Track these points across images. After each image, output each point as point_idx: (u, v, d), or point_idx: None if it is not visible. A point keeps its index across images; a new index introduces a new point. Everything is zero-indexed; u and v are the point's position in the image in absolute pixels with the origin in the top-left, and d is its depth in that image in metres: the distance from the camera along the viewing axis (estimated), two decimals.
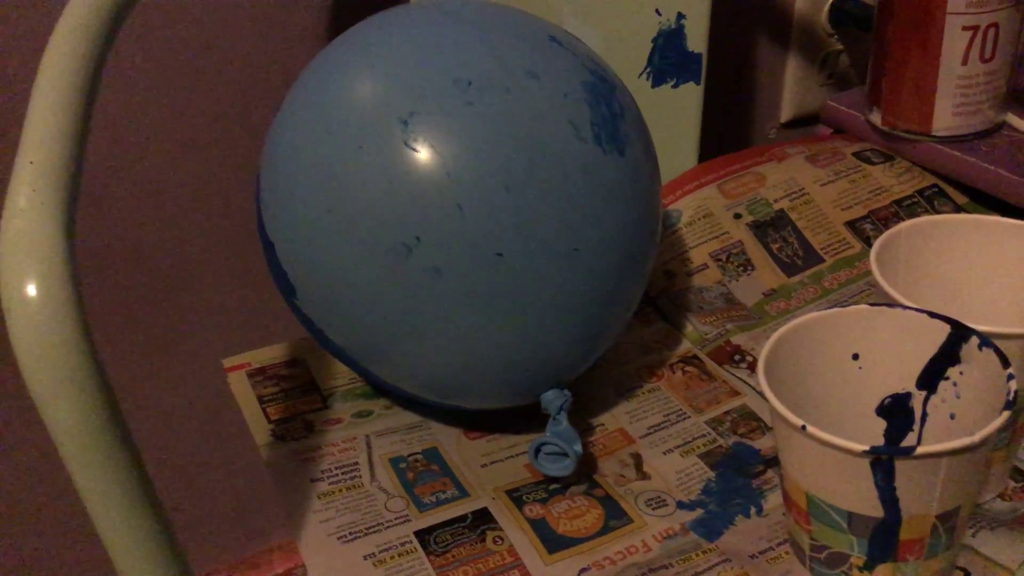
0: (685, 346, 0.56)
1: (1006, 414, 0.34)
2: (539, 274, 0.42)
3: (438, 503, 0.45)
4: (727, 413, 0.51)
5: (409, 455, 0.48)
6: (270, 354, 0.54)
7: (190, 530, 0.63)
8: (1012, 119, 0.65)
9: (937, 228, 0.46)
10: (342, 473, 0.46)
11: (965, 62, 0.61)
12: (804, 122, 0.82)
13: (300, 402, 0.51)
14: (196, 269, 0.63)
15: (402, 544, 0.43)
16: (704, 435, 0.49)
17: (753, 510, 0.45)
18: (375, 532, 0.43)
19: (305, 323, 0.46)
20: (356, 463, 0.47)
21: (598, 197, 0.43)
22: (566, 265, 0.43)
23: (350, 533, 0.43)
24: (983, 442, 0.33)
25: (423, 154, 0.41)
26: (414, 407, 0.51)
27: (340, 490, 0.45)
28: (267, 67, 0.61)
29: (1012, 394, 0.35)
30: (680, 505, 0.45)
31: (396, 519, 0.44)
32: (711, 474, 0.47)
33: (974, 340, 0.38)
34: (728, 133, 0.80)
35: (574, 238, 0.43)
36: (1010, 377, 0.35)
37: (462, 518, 0.44)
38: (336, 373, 0.53)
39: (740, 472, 0.47)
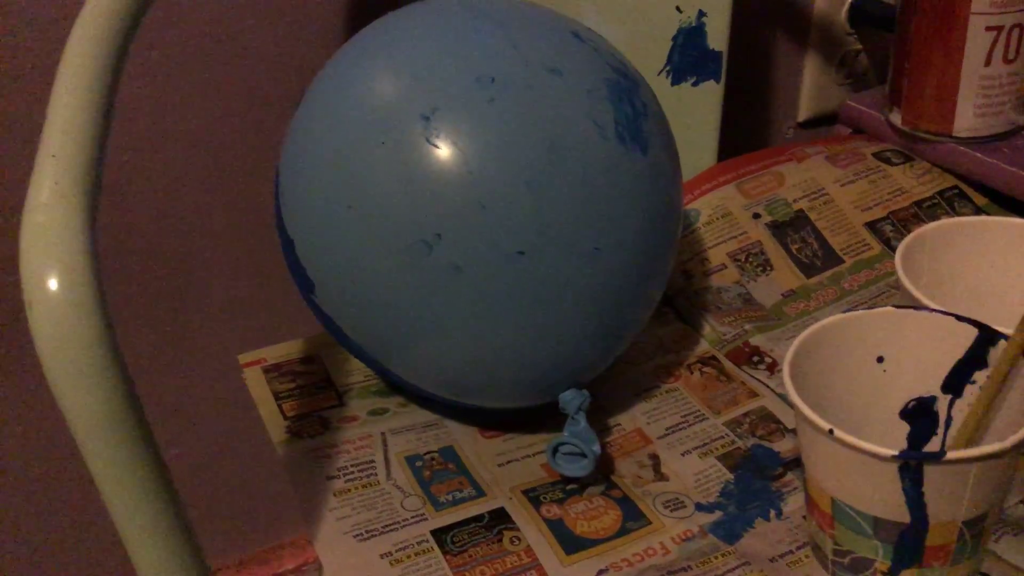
0: (703, 347, 0.55)
1: None
2: (560, 273, 0.42)
3: (455, 502, 0.44)
4: (745, 415, 0.50)
5: (425, 453, 0.47)
6: (286, 350, 0.54)
7: (203, 524, 0.63)
8: None
9: (961, 230, 0.46)
10: (358, 471, 0.46)
11: (988, 63, 0.61)
12: (821, 121, 0.82)
13: (316, 399, 0.51)
14: (213, 264, 0.63)
15: (419, 543, 0.42)
16: (722, 437, 0.49)
17: (773, 513, 0.44)
18: (391, 531, 0.43)
19: (323, 320, 0.46)
20: (372, 461, 0.47)
21: (620, 196, 0.43)
22: (587, 264, 0.42)
23: (366, 531, 0.43)
24: (1014, 448, 0.33)
25: (444, 151, 0.40)
26: (430, 405, 0.50)
27: (356, 488, 0.45)
28: (286, 63, 0.61)
29: None
30: (699, 507, 0.45)
31: (412, 518, 0.44)
32: (730, 476, 0.46)
33: (1002, 343, 0.37)
34: (745, 132, 0.79)
35: (595, 237, 0.42)
36: None
37: (479, 517, 0.44)
38: (352, 370, 0.53)
39: (759, 474, 0.46)
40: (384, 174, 0.41)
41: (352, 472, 0.46)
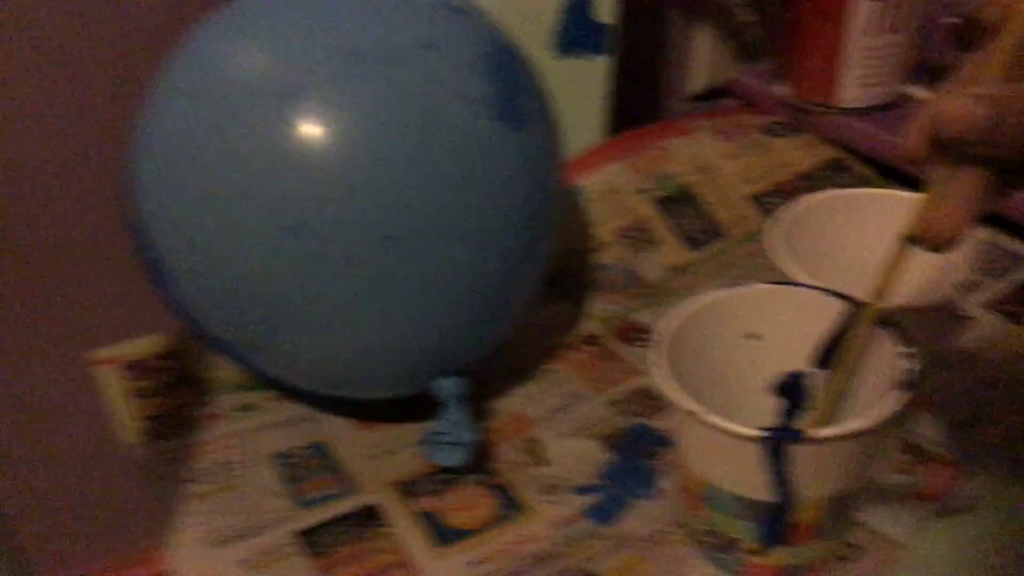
0: (588, 326, 0.54)
1: (901, 395, 0.33)
2: (433, 257, 0.40)
3: (323, 500, 0.42)
4: (627, 393, 0.49)
5: (294, 450, 0.45)
6: (143, 346, 0.50)
7: (50, 535, 0.59)
8: (915, 91, 0.65)
9: (837, 203, 0.45)
10: (219, 472, 0.44)
11: (871, 33, 0.61)
12: (715, 95, 0.81)
13: (176, 397, 0.48)
14: (63, 256, 0.59)
15: (281, 546, 0.40)
16: (604, 417, 0.48)
17: (650, 492, 0.43)
18: (252, 535, 0.40)
19: (179, 314, 0.43)
20: (235, 461, 0.44)
21: (497, 176, 0.41)
22: (462, 247, 0.40)
23: (224, 537, 0.40)
24: (877, 425, 0.32)
25: (308, 131, 0.38)
26: (302, 398, 0.48)
27: (216, 491, 0.43)
28: (138, 41, 0.57)
29: (907, 373, 0.34)
30: (576, 490, 0.44)
31: (276, 519, 0.41)
32: (609, 456, 0.45)
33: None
34: (638, 106, 0.78)
35: (471, 219, 0.40)
36: (904, 355, 0.34)
37: (348, 515, 0.42)
38: (217, 365, 0.50)
39: (639, 453, 0.46)
40: (243, 158, 0.39)
41: (212, 474, 0.43)
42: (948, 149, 0.28)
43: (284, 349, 0.42)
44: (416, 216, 0.39)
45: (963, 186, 0.28)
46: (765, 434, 0.32)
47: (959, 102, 0.27)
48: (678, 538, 0.40)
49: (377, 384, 0.44)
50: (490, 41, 0.42)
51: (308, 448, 0.45)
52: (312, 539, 0.40)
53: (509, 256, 0.43)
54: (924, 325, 0.39)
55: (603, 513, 0.42)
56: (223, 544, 0.40)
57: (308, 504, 0.42)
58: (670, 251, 0.58)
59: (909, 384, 0.33)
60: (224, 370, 0.50)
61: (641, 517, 0.42)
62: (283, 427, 0.46)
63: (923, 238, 0.30)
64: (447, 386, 0.43)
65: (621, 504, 0.43)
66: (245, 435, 0.46)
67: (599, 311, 0.55)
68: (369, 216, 0.38)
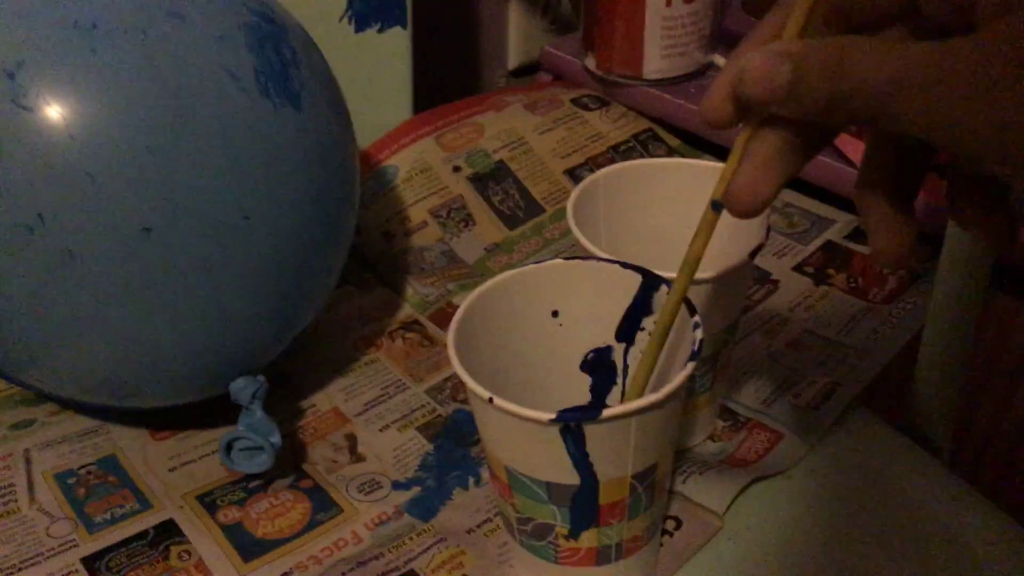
0: (406, 311, 0.52)
1: (691, 365, 0.33)
2: (201, 249, 0.37)
3: (114, 520, 0.39)
4: (447, 379, 0.48)
5: (81, 467, 0.41)
6: None
7: None
8: (718, 60, 0.66)
9: (635, 174, 0.45)
10: None
11: (669, 3, 0.61)
12: (532, 69, 0.80)
13: None
14: None
15: (65, 575, 0.36)
16: (423, 405, 0.46)
17: (472, 480, 0.43)
18: (32, 565, 0.37)
19: None
20: (11, 485, 0.40)
21: (269, 156, 0.38)
22: (235, 236, 0.38)
23: (2, 569, 0.36)
24: (669, 397, 0.32)
25: (38, 114, 0.34)
26: (88, 411, 0.44)
27: None
28: None
29: (698, 344, 0.34)
30: (395, 486, 0.42)
31: (60, 546, 0.38)
32: (429, 447, 0.44)
33: (663, 288, 0.37)
34: (456, 82, 0.76)
35: (242, 204, 0.38)
36: (696, 326, 0.34)
37: (142, 535, 0.39)
38: None
39: (459, 442, 0.45)
40: None
41: None
42: (750, 110, 0.27)
43: (45, 362, 0.38)
44: (176, 203, 0.36)
45: (767, 148, 0.27)
46: (553, 416, 0.31)
47: (760, 60, 0.26)
48: (500, 527, 0.40)
49: (165, 390, 0.40)
50: (251, 11, 0.39)
51: (96, 464, 0.41)
52: (100, 564, 0.37)
53: (296, 241, 0.40)
54: (726, 292, 0.40)
55: (425, 507, 0.41)
56: None
57: (97, 526, 0.39)
58: (487, 229, 0.57)
59: (694, 354, 0.33)
60: None
61: (464, 508, 0.41)
62: (68, 443, 0.42)
63: (728, 203, 0.28)
64: (243, 387, 0.41)
65: (443, 496, 0.42)
66: (22, 455, 0.41)
67: (417, 295, 0.53)
68: (120, 206, 0.35)
